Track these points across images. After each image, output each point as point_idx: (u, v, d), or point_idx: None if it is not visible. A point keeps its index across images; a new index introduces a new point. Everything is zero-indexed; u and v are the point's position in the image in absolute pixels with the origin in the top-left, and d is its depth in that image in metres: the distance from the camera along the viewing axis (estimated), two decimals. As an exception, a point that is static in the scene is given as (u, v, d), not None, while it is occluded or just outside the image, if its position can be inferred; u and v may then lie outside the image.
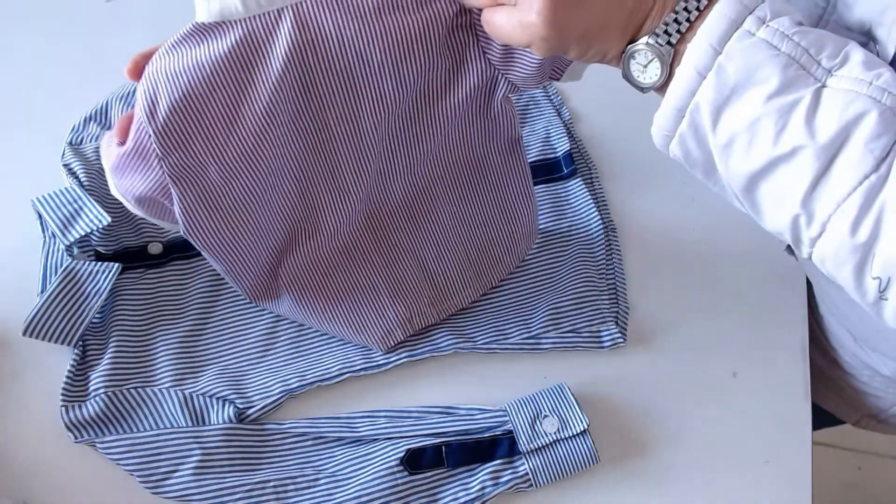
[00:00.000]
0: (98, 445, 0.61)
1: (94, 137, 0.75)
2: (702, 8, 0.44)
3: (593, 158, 0.79)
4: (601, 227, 0.74)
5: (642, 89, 0.47)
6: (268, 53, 0.52)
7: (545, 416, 0.63)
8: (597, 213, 0.75)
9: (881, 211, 0.42)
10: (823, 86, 0.43)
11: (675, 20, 0.44)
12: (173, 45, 0.52)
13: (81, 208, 0.68)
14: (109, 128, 0.76)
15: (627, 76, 0.47)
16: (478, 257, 0.69)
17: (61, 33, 0.85)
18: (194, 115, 0.53)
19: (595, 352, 0.68)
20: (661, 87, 0.47)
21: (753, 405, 0.67)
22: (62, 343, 0.64)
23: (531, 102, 0.82)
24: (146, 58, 0.53)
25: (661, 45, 0.44)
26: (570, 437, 0.62)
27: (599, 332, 0.68)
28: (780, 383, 0.68)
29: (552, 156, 0.78)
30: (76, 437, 0.61)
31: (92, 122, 0.77)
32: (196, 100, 0.52)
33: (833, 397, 0.80)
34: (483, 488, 0.61)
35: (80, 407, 0.62)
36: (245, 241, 0.60)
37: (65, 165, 0.73)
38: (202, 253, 0.60)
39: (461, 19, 0.54)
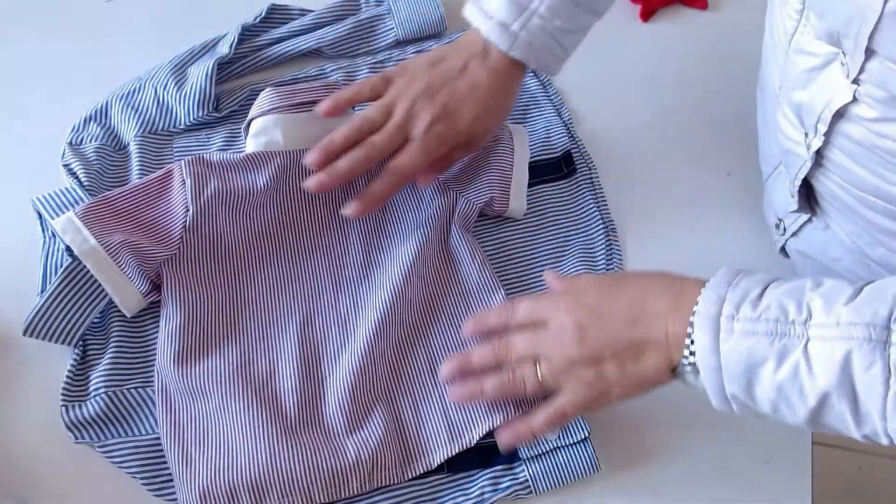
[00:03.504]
0: (98, 449, 0.61)
1: (94, 137, 0.75)
2: (694, 339, 0.53)
3: (593, 158, 0.79)
4: (601, 227, 0.74)
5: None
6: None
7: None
8: (597, 213, 0.75)
9: None
10: (808, 339, 0.49)
11: (687, 355, 0.54)
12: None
13: (81, 208, 0.68)
14: (110, 128, 0.76)
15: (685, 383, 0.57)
16: (455, 413, 0.63)
17: (61, 33, 0.85)
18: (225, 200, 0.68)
19: (595, 352, 0.68)
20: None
21: (753, 405, 0.67)
22: (62, 343, 0.64)
23: (531, 102, 0.82)
24: (349, 102, 0.68)
25: (689, 370, 0.54)
26: (570, 444, 0.62)
27: (599, 332, 0.68)
28: (780, 383, 0.68)
29: (552, 156, 0.78)
30: (76, 437, 0.61)
31: (92, 122, 0.77)
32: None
33: None
34: (482, 494, 0.61)
35: (80, 407, 0.62)
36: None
37: (65, 165, 0.73)
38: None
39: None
